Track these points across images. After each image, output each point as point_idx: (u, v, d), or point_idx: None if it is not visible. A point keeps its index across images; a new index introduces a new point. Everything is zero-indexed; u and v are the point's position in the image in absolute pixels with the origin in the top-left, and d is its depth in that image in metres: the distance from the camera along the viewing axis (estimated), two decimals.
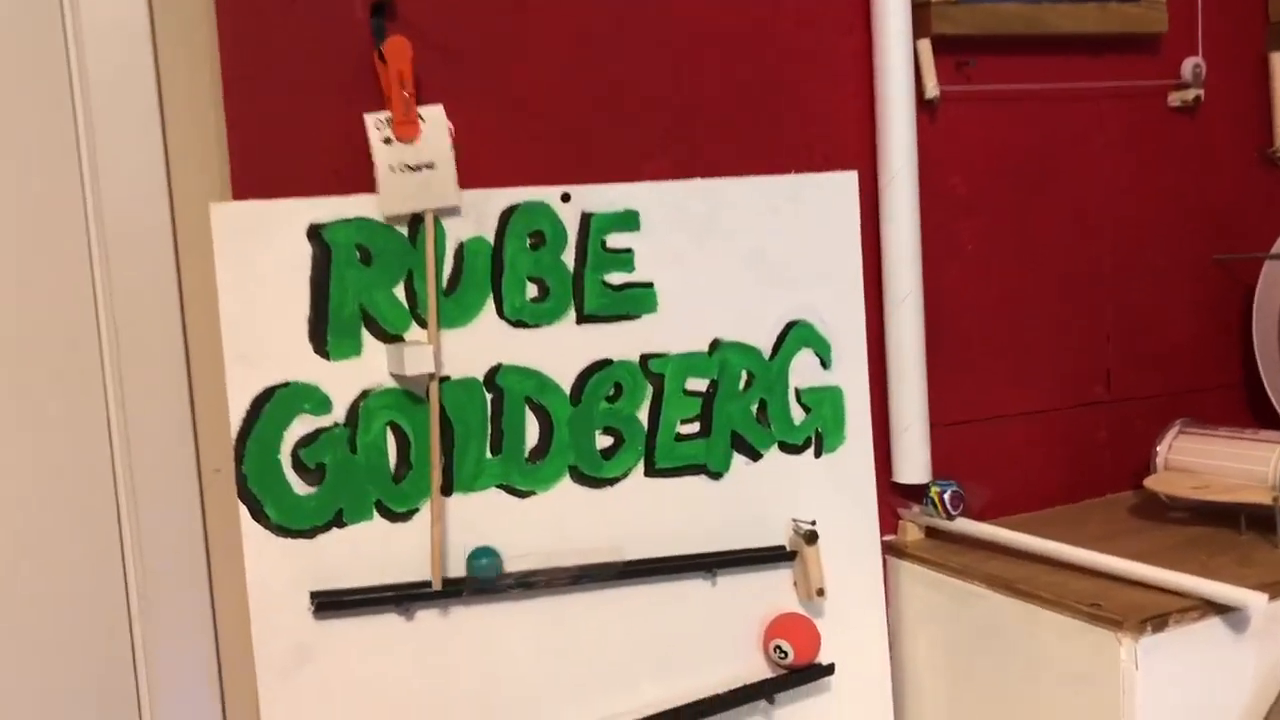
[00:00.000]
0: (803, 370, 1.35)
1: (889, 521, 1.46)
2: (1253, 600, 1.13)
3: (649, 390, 1.26)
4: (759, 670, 1.32)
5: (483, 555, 1.18)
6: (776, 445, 1.33)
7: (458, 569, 1.17)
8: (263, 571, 1.09)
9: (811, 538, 1.31)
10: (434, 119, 1.13)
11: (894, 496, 1.46)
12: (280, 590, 1.10)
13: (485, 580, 1.15)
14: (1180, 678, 1.13)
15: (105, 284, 1.11)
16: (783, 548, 1.32)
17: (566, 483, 1.22)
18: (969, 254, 1.51)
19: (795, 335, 1.34)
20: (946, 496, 1.38)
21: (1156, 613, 1.12)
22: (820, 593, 1.31)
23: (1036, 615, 1.21)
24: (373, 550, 1.14)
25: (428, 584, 1.14)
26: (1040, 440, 1.58)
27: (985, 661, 1.30)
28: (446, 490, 1.17)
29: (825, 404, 1.36)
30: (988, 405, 1.53)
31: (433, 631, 1.16)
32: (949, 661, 1.36)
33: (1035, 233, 1.56)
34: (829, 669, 1.34)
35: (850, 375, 1.38)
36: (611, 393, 1.24)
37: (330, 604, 1.11)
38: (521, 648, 1.20)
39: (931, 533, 1.44)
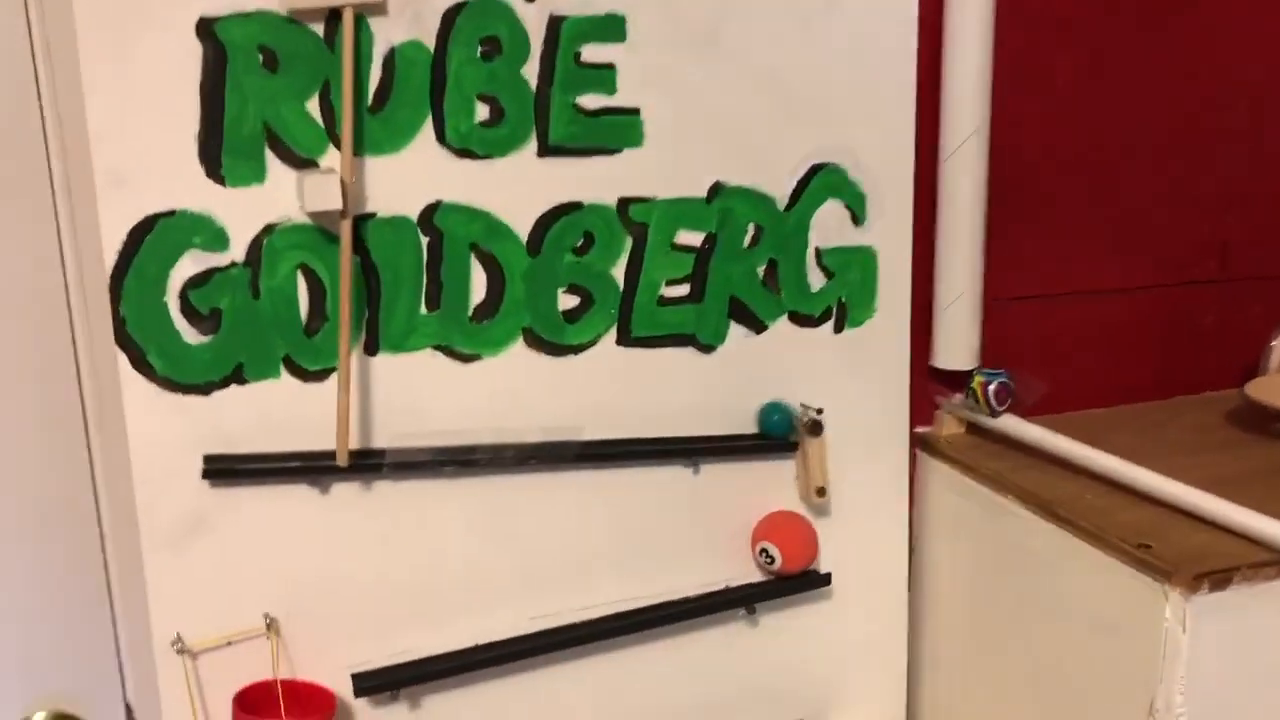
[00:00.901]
0: (827, 226, 1.11)
1: (924, 410, 1.24)
2: None
3: (628, 242, 1.04)
4: (744, 576, 1.14)
5: (774, 411, 1.09)
6: (786, 316, 1.11)
7: (385, 439, 1.00)
8: (148, 429, 0.94)
9: (815, 428, 1.10)
10: None
11: (932, 383, 1.23)
12: (170, 452, 0.95)
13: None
14: (1238, 648, 0.91)
15: None
16: (783, 437, 1.12)
17: (519, 348, 1.03)
18: (1059, 89, 1.22)
19: (821, 182, 1.10)
20: (991, 389, 1.15)
21: (1220, 565, 0.89)
22: (820, 492, 1.11)
23: (1073, 547, 0.99)
24: (282, 413, 0.97)
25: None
26: (1128, 322, 1.31)
27: (1011, 590, 1.09)
28: (371, 349, 0.99)
29: (853, 268, 1.13)
30: (1062, 277, 1.27)
31: (351, 510, 1.00)
32: (973, 584, 1.16)
33: (1151, 67, 1.25)
34: (824, 579, 1.15)
35: (888, 234, 1.14)
36: (579, 243, 1.03)
37: (224, 471, 0.96)
38: (456, 534, 1.04)
39: (974, 429, 1.21)
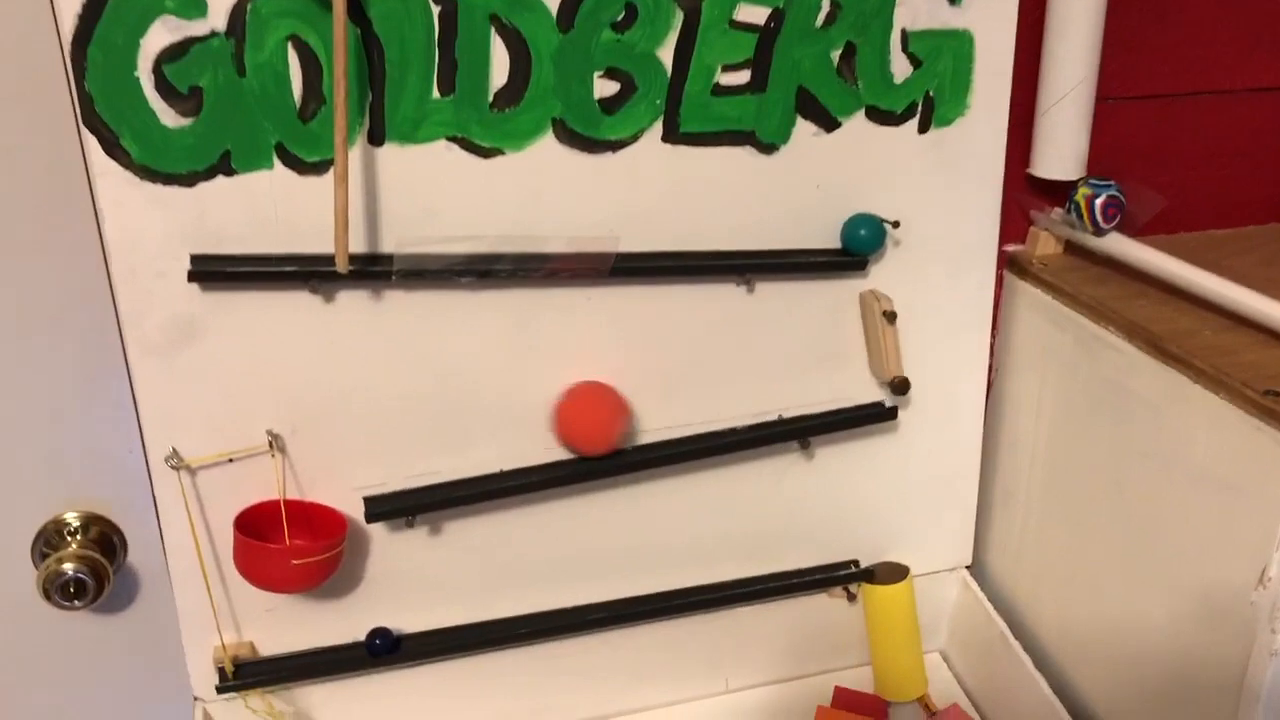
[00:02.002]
0: (916, 4, 0.94)
1: (1017, 226, 1.08)
2: None
3: (678, 17, 0.88)
4: (799, 407, 1.02)
5: (862, 225, 0.95)
6: (863, 111, 0.95)
7: (393, 244, 0.88)
8: (126, 225, 0.83)
9: (891, 318, 0.96)
10: None
11: (1028, 194, 1.07)
12: (153, 250, 0.84)
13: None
14: None
15: None
16: (848, 253, 0.97)
17: (548, 141, 0.89)
18: None
19: None
20: (1099, 203, 0.98)
21: None
22: (899, 384, 0.98)
23: (1184, 390, 0.85)
24: (276, 210, 0.86)
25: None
26: (1261, 128, 1.13)
27: (1104, 434, 0.96)
28: (377, 139, 0.86)
29: (946, 55, 0.96)
30: (1187, 74, 1.08)
31: (358, 322, 0.90)
32: (1059, 424, 1.03)
33: None
34: (889, 412, 1.03)
35: (988, 15, 0.96)
36: (620, 17, 0.87)
37: (213, 273, 0.85)
38: (476, 352, 0.93)
39: (1073, 249, 1.06)
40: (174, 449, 0.90)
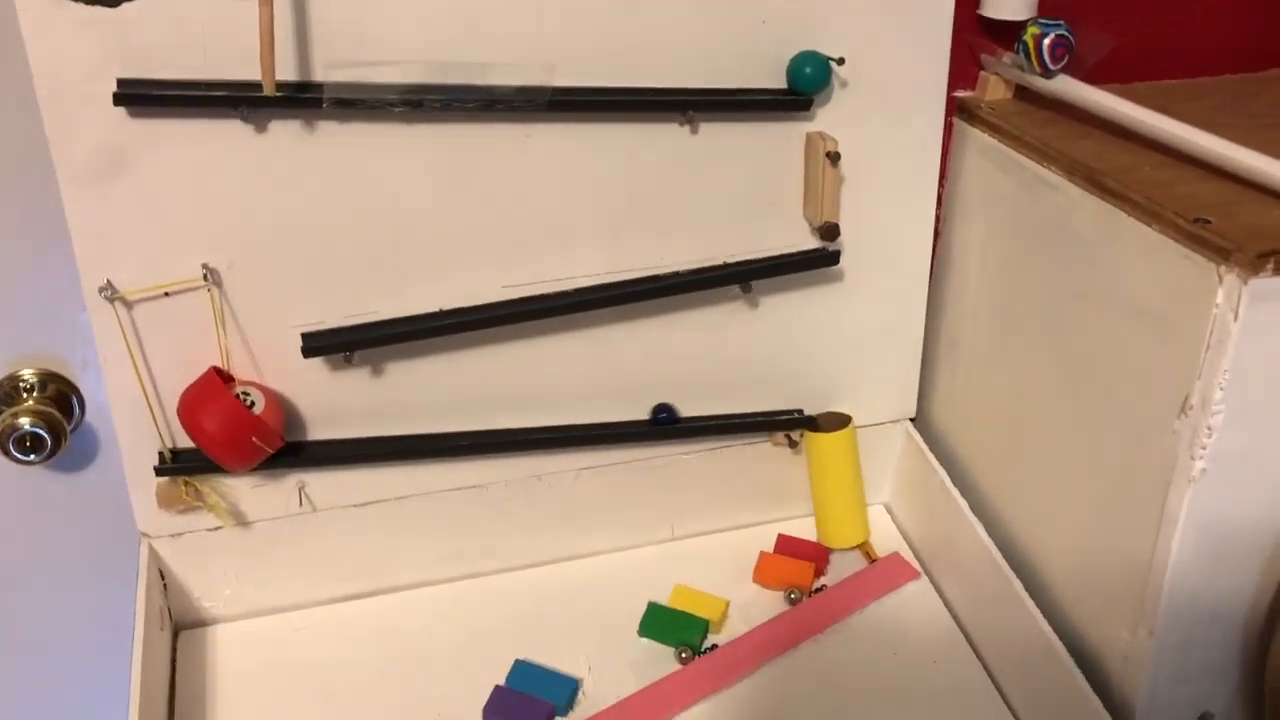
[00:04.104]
0: None
1: (967, 72, 1.07)
2: None
3: None
4: (744, 253, 1.02)
5: (807, 63, 0.94)
6: None
7: (325, 71, 0.87)
8: (50, 49, 0.82)
9: (834, 158, 0.95)
10: None
11: (979, 37, 1.05)
12: (78, 74, 0.83)
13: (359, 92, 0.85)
14: None
15: None
16: (794, 93, 0.96)
17: None
18: None
19: None
20: (1046, 42, 0.97)
21: None
22: (828, 229, 0.97)
23: (1119, 224, 0.85)
24: (204, 31, 0.84)
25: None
26: None
27: (1044, 274, 0.96)
28: None
29: None
30: None
31: (292, 152, 0.89)
32: (1002, 268, 1.03)
33: None
34: (831, 257, 1.03)
35: None
36: None
37: (140, 96, 0.84)
38: (413, 187, 0.92)
39: (1023, 94, 1.05)
40: (108, 280, 0.89)
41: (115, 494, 1.00)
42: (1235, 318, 0.75)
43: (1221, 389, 0.78)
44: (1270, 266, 0.74)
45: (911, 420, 1.16)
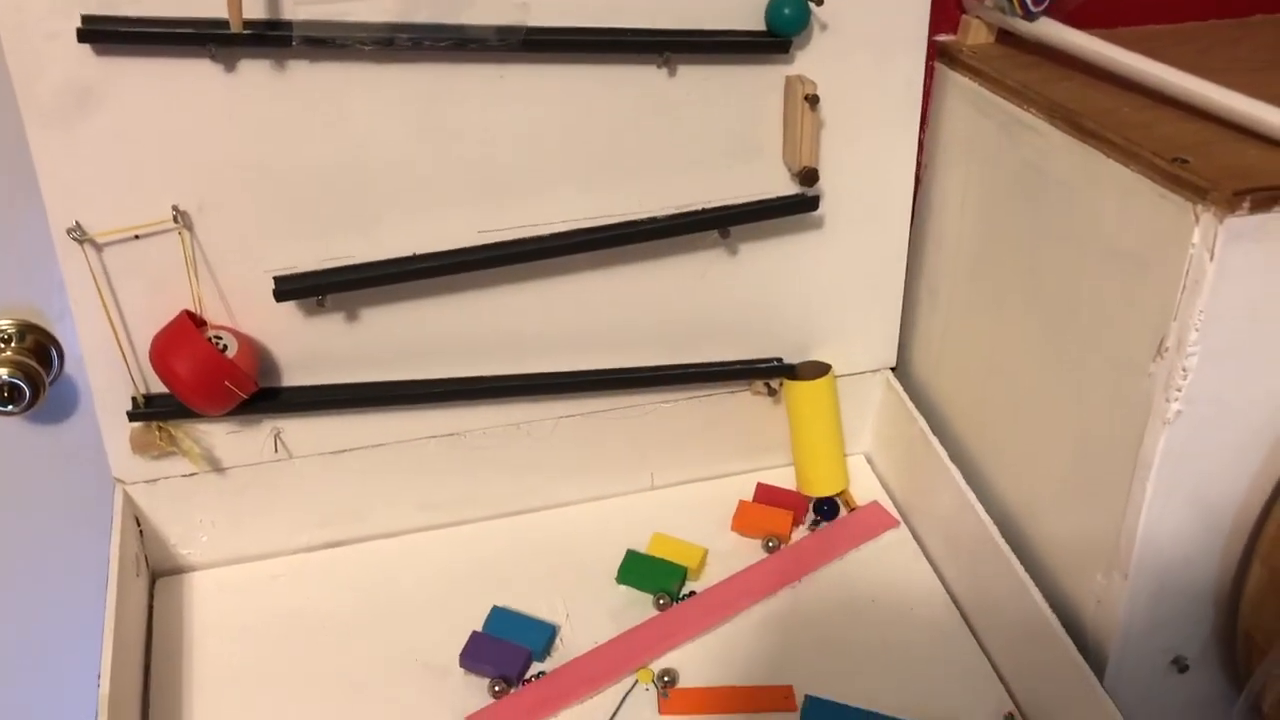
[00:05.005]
0: None
1: (949, 16, 1.05)
2: None
3: None
4: (722, 199, 1.01)
5: (785, 4, 0.92)
6: None
7: (294, 9, 0.85)
8: None
9: (813, 101, 0.94)
10: None
11: None
12: (43, 9, 0.81)
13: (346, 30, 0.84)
14: (1272, 284, 0.77)
15: None
16: (773, 34, 0.95)
17: None
18: None
19: None
20: None
21: (1268, 183, 0.74)
22: (807, 174, 0.96)
23: (1097, 165, 0.84)
24: None
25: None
26: None
27: (1023, 219, 0.96)
28: None
29: None
30: None
31: (262, 92, 0.87)
32: (982, 213, 1.02)
33: None
34: (810, 202, 1.02)
35: None
36: None
37: (105, 33, 0.82)
38: (386, 129, 0.91)
39: (1006, 38, 1.03)
40: (77, 222, 0.88)
41: (95, 444, 1.00)
42: (1211, 257, 0.75)
43: (1197, 330, 0.77)
44: (1246, 205, 0.73)
45: (892, 369, 1.15)
